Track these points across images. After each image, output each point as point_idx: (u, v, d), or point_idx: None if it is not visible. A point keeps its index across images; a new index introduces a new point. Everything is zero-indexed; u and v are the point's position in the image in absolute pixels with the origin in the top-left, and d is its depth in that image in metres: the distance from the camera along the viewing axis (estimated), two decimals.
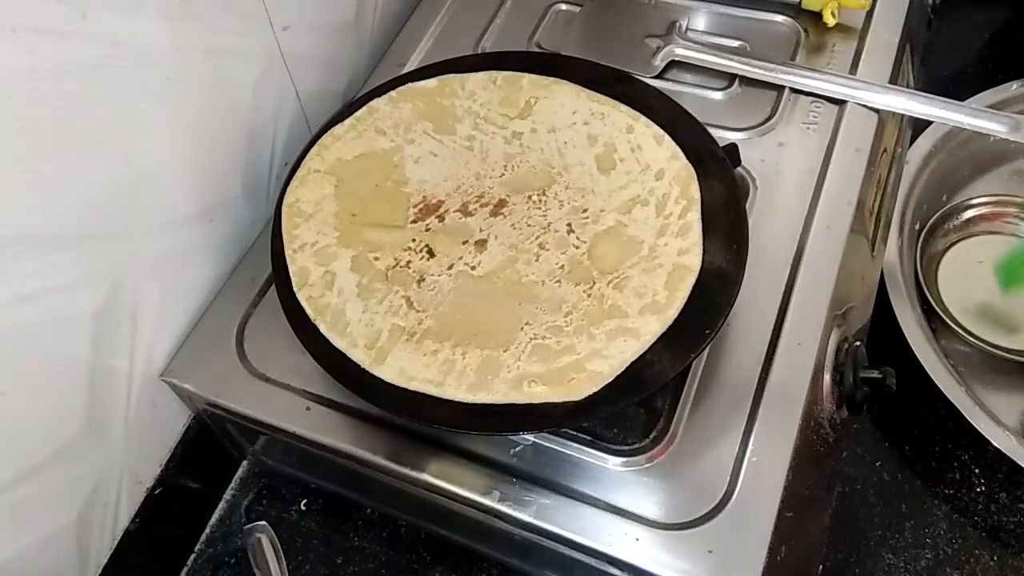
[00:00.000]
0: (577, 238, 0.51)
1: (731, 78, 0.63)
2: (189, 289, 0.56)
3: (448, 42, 0.68)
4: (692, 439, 0.47)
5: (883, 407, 0.66)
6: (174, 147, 0.51)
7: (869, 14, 0.66)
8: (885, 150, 0.62)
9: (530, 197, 0.53)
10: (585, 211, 0.52)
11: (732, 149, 0.53)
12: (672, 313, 0.46)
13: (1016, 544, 0.60)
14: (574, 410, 0.44)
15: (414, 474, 0.48)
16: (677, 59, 0.64)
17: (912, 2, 0.67)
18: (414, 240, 0.52)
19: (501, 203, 0.53)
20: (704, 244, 0.48)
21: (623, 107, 0.55)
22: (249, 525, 0.60)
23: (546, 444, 0.48)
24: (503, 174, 0.55)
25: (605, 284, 0.48)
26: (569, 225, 0.52)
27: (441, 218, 0.53)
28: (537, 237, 0.51)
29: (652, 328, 0.46)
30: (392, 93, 0.58)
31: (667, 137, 0.53)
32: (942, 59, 0.86)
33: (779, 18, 0.67)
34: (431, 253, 0.51)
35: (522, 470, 0.48)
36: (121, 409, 0.53)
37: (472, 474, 0.48)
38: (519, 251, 0.51)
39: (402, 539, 0.61)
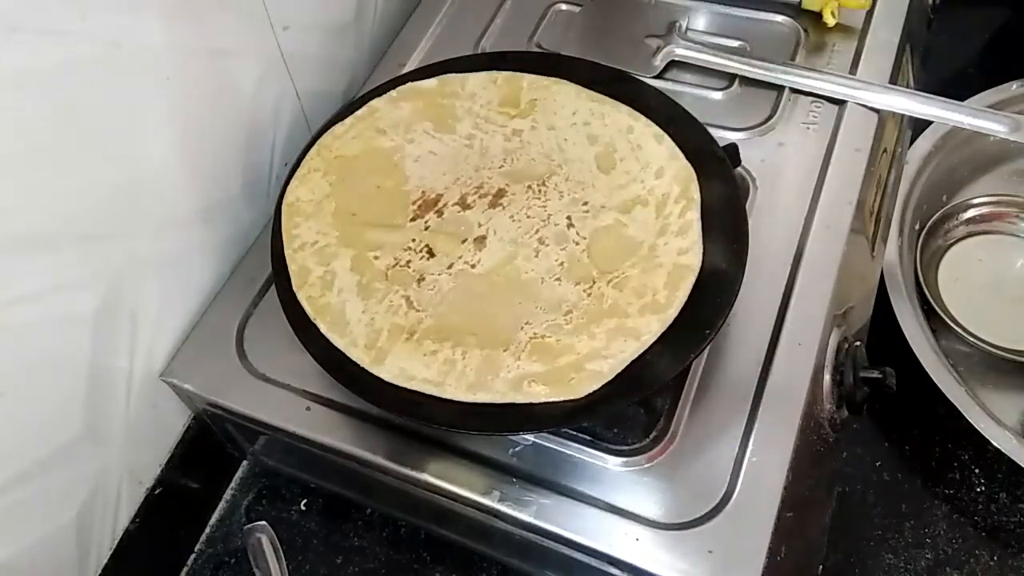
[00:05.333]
0: (577, 233, 0.51)
1: (731, 78, 0.63)
2: (189, 289, 0.56)
3: (448, 42, 0.68)
4: (692, 439, 0.47)
5: (883, 407, 0.66)
6: (174, 147, 0.51)
7: (869, 14, 0.66)
8: (885, 150, 0.62)
9: (530, 187, 0.53)
10: (585, 203, 0.52)
11: (732, 149, 0.53)
12: (672, 313, 0.46)
13: (1016, 544, 0.60)
14: (574, 410, 0.44)
15: (414, 474, 0.48)
16: (677, 59, 0.64)
17: (912, 2, 0.67)
18: (414, 240, 0.52)
19: (500, 193, 0.53)
20: (704, 244, 0.48)
21: (623, 107, 0.55)
22: (249, 525, 0.60)
23: (546, 444, 0.48)
24: (502, 165, 0.54)
25: (605, 283, 0.48)
26: (569, 218, 0.52)
27: (440, 213, 0.53)
28: (536, 231, 0.51)
29: (652, 328, 0.46)
30: (392, 93, 0.58)
31: (667, 137, 0.53)
32: (942, 59, 0.85)
33: (779, 18, 0.67)
34: (431, 253, 0.51)
35: (522, 470, 0.48)
36: (121, 409, 0.53)
37: (472, 474, 0.48)
38: (518, 246, 0.51)
39: (402, 539, 0.61)
